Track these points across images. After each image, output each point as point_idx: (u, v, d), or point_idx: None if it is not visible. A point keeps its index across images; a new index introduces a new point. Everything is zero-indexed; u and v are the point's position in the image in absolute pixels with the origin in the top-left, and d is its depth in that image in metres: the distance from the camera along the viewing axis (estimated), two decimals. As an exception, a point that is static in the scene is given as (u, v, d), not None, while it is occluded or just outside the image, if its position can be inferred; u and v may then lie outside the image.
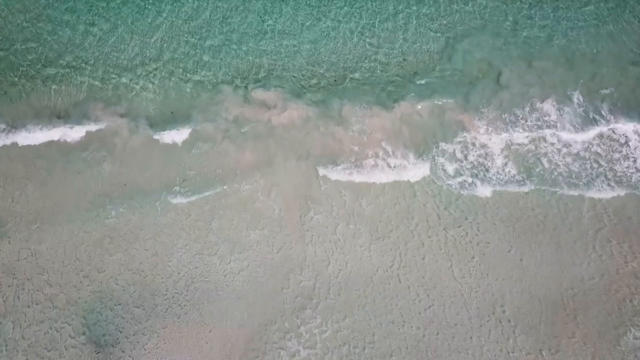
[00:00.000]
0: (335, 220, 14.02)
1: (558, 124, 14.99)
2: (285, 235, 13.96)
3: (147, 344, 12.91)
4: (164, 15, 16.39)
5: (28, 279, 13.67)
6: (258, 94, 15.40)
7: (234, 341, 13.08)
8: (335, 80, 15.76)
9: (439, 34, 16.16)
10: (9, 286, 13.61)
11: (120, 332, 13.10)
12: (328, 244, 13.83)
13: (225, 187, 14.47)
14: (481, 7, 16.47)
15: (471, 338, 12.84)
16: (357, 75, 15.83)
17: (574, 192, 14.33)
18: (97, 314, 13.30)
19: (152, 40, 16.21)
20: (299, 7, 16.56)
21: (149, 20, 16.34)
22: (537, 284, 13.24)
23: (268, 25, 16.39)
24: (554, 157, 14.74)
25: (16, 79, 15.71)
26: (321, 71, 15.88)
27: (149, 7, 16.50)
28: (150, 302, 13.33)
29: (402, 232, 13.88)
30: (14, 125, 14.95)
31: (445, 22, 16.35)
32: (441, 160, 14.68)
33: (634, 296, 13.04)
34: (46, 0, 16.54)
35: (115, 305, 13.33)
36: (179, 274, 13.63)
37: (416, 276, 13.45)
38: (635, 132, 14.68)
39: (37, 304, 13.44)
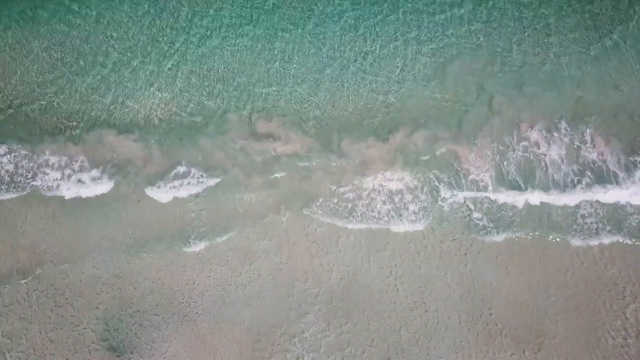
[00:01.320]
0: (338, 233, 14.84)
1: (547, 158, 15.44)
2: (292, 245, 14.79)
3: (166, 352, 13.80)
4: (177, 47, 16.71)
5: (51, 284, 14.50)
6: (261, 124, 15.86)
7: (243, 344, 14.01)
8: (333, 107, 16.20)
9: (433, 60, 16.46)
10: (34, 291, 14.46)
11: (139, 338, 13.93)
12: (331, 255, 14.68)
13: (237, 205, 15.20)
14: (476, 32, 16.72)
15: (460, 341, 13.83)
16: (355, 107, 16.18)
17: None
18: (117, 320, 14.12)
19: (166, 71, 16.55)
20: (313, 48, 16.82)
21: (164, 52, 16.69)
22: (522, 289, 14.13)
23: (279, 65, 16.69)
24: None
25: (34, 109, 16.18)
26: (321, 104, 16.26)
27: (165, 40, 16.81)
28: (168, 310, 14.16)
29: (399, 244, 14.70)
30: (34, 150, 15.44)
31: (440, 48, 16.58)
32: (438, 189, 15.16)
33: (613, 301, 13.95)
34: (64, 27, 16.86)
35: (135, 312, 14.15)
36: (194, 283, 14.46)
37: (412, 284, 14.33)
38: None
39: (59, 307, 14.29)
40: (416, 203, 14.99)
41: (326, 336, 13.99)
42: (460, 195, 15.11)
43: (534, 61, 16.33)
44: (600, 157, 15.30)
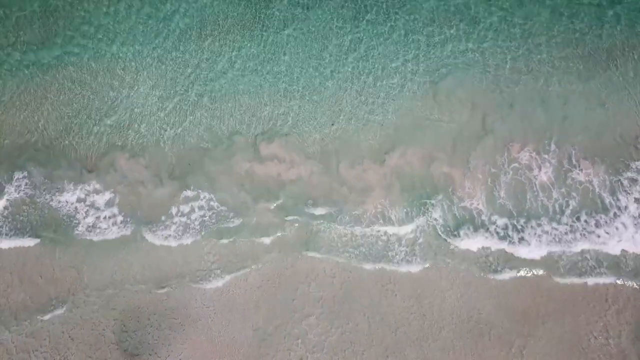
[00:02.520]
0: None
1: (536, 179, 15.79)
2: (297, 252, 15.51)
3: (181, 353, 14.52)
4: (193, 79, 16.99)
5: (70, 291, 15.19)
6: (264, 147, 16.19)
7: (251, 343, 14.75)
8: (332, 126, 16.58)
9: (430, 81, 16.83)
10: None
11: (157, 340, 14.61)
12: (333, 261, 15.42)
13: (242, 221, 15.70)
14: (471, 55, 17.10)
15: (452, 340, 14.70)
16: (354, 127, 16.57)
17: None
18: (135, 322, 14.78)
19: (182, 101, 16.83)
20: (319, 72, 17.17)
21: (181, 82, 16.94)
22: (510, 292, 14.99)
23: (285, 89, 17.02)
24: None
25: (55, 136, 16.49)
26: (322, 124, 16.63)
27: (183, 73, 17.08)
28: (183, 313, 14.86)
29: (396, 255, 15.54)
30: (51, 176, 15.84)
31: (437, 70, 16.91)
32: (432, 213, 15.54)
33: (596, 303, 14.84)
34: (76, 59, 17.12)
35: (152, 314, 14.83)
36: (206, 288, 15.16)
37: (409, 289, 15.14)
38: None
39: (77, 308, 14.92)
40: (412, 240, 15.50)
41: (329, 337, 14.74)
42: (455, 232, 15.50)
43: (525, 81, 16.77)
44: (586, 179, 15.73)
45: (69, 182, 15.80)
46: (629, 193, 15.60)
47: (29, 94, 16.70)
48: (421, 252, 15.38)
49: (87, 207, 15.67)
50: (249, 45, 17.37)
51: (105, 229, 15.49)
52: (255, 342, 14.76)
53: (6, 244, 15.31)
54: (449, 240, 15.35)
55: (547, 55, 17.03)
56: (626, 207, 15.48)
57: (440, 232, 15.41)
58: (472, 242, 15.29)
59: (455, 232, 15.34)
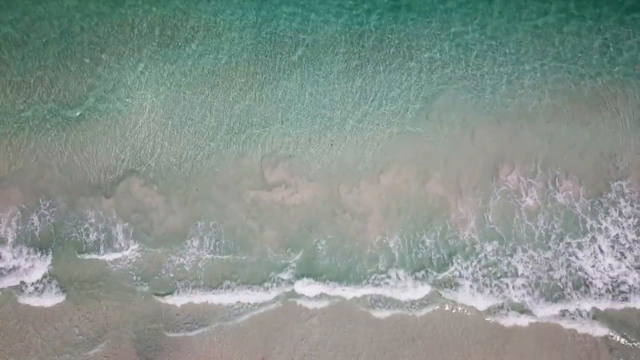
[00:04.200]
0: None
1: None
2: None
3: (201, 348, 15.27)
4: (207, 93, 17.33)
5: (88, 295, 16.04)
6: (268, 171, 16.43)
7: (257, 340, 15.59)
8: (331, 146, 16.97)
9: (422, 101, 17.25)
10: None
11: (177, 341, 15.36)
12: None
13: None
14: (467, 78, 17.52)
15: (444, 339, 15.63)
16: (352, 145, 16.97)
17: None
18: (155, 323, 15.51)
19: (197, 120, 17.13)
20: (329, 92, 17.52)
21: (197, 112, 17.21)
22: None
23: (291, 111, 17.39)
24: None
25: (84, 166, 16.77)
26: (322, 145, 17.01)
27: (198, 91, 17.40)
28: (201, 322, 15.63)
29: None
30: (74, 204, 15.99)
31: (434, 94, 17.24)
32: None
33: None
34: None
35: (171, 317, 15.64)
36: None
37: (405, 294, 15.96)
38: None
39: (100, 300, 15.76)
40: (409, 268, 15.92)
41: (331, 336, 15.49)
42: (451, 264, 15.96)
43: (514, 101, 17.24)
44: (569, 202, 15.99)
45: (90, 209, 15.89)
46: (608, 214, 15.91)
47: (52, 124, 16.97)
48: (422, 299, 15.81)
49: (113, 260, 15.97)
50: (263, 79, 17.69)
51: (128, 276, 15.79)
52: (262, 338, 15.50)
53: (35, 302, 15.51)
54: (448, 297, 15.76)
55: (537, 79, 17.47)
56: (606, 229, 15.83)
57: (440, 292, 15.83)
58: (472, 300, 15.69)
59: (454, 288, 15.73)
